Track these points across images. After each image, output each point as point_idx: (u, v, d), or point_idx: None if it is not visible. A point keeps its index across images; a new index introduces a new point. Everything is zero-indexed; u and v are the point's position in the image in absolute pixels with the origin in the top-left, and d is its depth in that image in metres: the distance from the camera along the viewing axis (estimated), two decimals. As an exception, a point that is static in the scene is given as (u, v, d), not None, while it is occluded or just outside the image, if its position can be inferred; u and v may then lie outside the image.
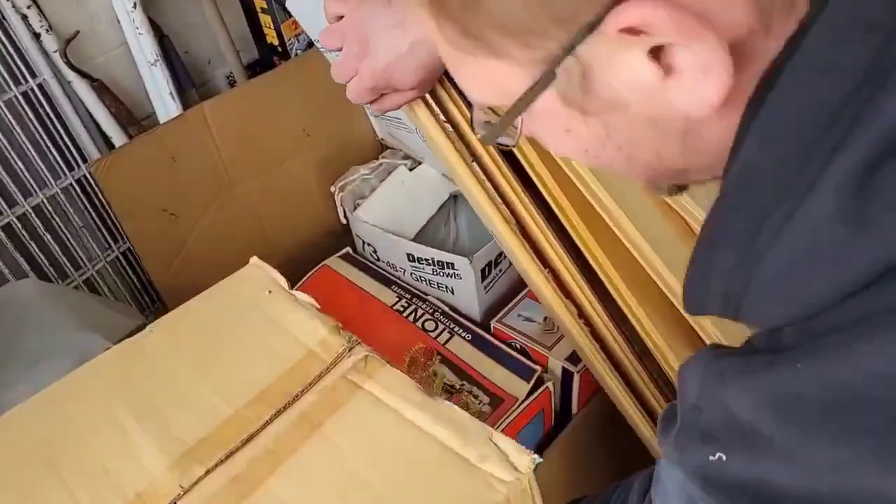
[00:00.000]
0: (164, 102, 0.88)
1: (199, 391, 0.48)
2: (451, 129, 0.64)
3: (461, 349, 0.93)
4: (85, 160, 0.86)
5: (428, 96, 0.61)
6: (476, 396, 0.88)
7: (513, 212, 0.71)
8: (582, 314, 0.78)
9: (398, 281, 1.02)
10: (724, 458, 0.28)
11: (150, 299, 0.94)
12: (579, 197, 0.67)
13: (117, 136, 0.87)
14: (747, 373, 0.27)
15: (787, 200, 0.25)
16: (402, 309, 0.98)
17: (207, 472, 0.43)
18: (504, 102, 0.30)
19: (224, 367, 0.49)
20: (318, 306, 0.53)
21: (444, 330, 0.96)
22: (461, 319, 0.96)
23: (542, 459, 0.40)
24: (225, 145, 0.93)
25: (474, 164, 0.66)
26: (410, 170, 1.03)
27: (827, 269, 0.24)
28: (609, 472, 0.99)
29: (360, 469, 0.41)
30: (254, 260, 0.56)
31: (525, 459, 0.40)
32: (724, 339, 0.70)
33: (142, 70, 0.85)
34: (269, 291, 0.54)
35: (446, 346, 0.94)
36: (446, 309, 0.98)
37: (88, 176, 0.80)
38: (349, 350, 0.49)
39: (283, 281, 0.54)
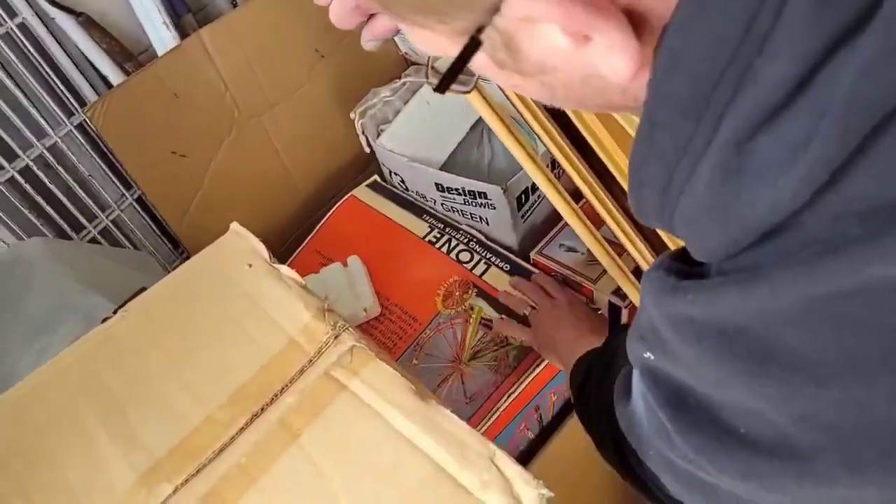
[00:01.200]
0: (159, 33, 0.79)
1: (170, 390, 0.42)
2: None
3: (499, 281, 0.86)
4: (84, 104, 0.78)
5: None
6: None
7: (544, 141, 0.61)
8: (622, 251, 0.68)
9: (430, 210, 0.94)
10: (651, 356, 0.32)
11: (173, 244, 0.89)
12: (612, 122, 0.56)
13: (114, 75, 0.79)
14: (661, 291, 0.29)
15: (688, 159, 0.25)
16: (434, 240, 0.90)
17: (175, 490, 0.37)
18: (448, 57, 0.29)
19: (198, 360, 0.43)
20: (303, 282, 0.45)
21: (479, 261, 0.88)
22: (499, 249, 0.88)
23: (552, 494, 0.32)
24: (231, 75, 0.84)
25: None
26: (436, 88, 0.92)
27: (715, 229, 0.26)
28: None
29: (340, 492, 0.35)
30: (234, 226, 0.49)
31: (531, 493, 0.32)
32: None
33: (131, -2, 0.76)
34: (250, 265, 0.46)
35: (483, 277, 0.86)
36: (482, 238, 0.89)
37: (87, 121, 0.73)
38: (335, 338, 0.42)
39: (264, 251, 0.47)
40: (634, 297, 0.72)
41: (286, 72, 0.89)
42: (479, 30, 0.26)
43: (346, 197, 0.95)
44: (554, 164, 0.82)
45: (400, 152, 0.90)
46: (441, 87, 0.33)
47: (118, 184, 0.83)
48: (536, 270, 0.84)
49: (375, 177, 0.98)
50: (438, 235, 0.90)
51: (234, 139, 0.87)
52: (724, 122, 0.24)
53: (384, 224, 0.92)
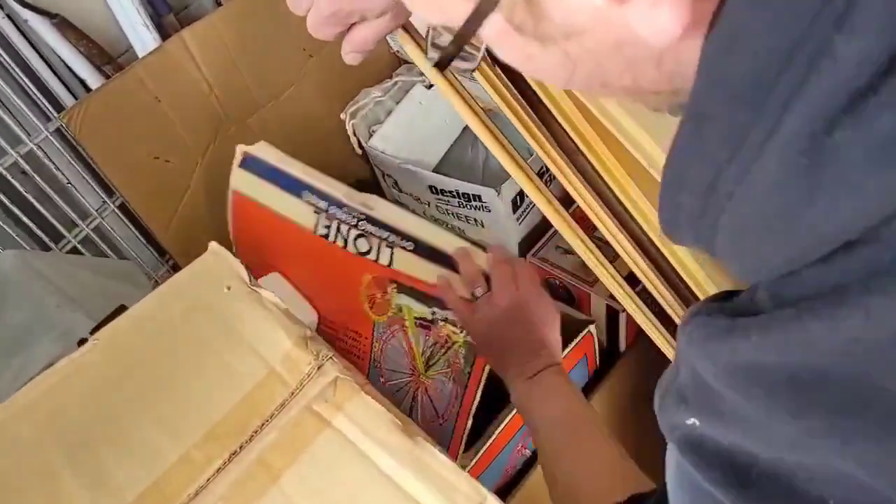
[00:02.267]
0: (139, 34, 0.75)
1: (143, 425, 0.39)
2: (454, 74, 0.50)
3: (411, 266, 0.69)
4: (61, 109, 0.75)
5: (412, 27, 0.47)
6: (455, 324, 0.69)
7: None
8: (615, 257, 0.65)
9: (307, 186, 0.74)
10: (696, 423, 0.27)
11: (159, 252, 0.86)
12: (602, 130, 0.53)
13: (92, 78, 0.75)
14: (712, 338, 0.25)
15: (742, 155, 0.22)
16: (325, 231, 0.72)
17: (146, 541, 0.34)
18: (453, 24, 0.26)
19: (173, 393, 0.40)
20: (284, 306, 0.42)
21: (380, 245, 0.70)
22: (392, 226, 0.69)
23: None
24: (215, 77, 0.81)
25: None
26: (428, 87, 0.88)
27: (776, 239, 0.22)
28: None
29: (323, 542, 0.32)
30: (213, 246, 0.45)
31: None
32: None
33: (108, -3, 0.72)
34: (228, 287, 0.43)
35: (393, 266, 0.70)
36: (369, 213, 0.70)
37: (64, 127, 0.70)
38: (317, 368, 0.38)
39: (244, 272, 0.44)
40: (628, 305, 0.69)
41: (273, 72, 0.85)
42: None
43: (230, 194, 0.77)
44: (542, 171, 0.78)
45: (392, 154, 0.86)
46: (443, 62, 0.29)
47: (99, 190, 0.79)
48: (447, 250, 0.68)
49: (243, 150, 0.75)
50: (327, 224, 0.72)
51: (220, 143, 0.83)
52: (791, 110, 0.20)
53: (275, 224, 0.75)
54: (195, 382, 0.40)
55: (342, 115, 0.88)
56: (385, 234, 0.70)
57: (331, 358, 0.39)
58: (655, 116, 0.54)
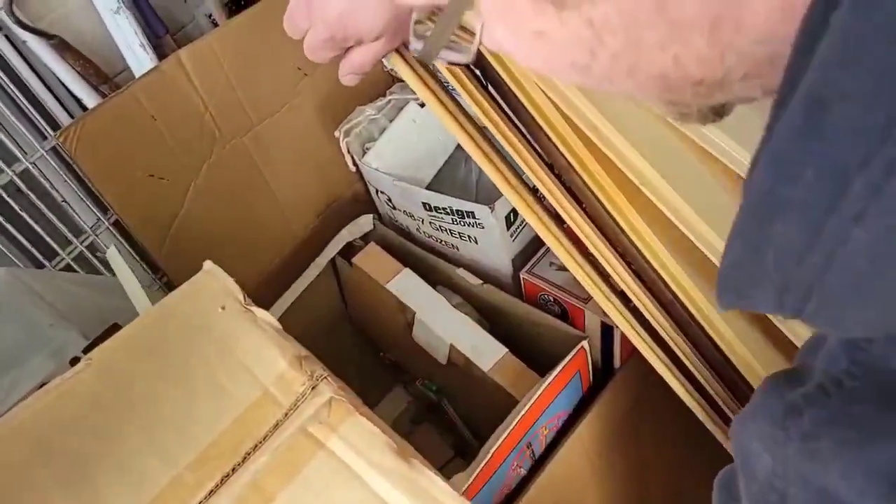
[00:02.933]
0: (136, 55, 0.75)
1: (135, 447, 0.38)
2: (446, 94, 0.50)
3: None
4: (57, 127, 0.75)
5: (404, 49, 0.47)
6: None
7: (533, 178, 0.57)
8: (600, 271, 0.65)
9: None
10: None
11: (153, 269, 0.85)
12: (594, 149, 0.53)
13: (89, 98, 0.75)
14: (850, 444, 0.20)
15: (889, 150, 0.15)
16: None
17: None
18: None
19: (166, 414, 0.39)
20: (278, 326, 0.42)
21: None
22: None
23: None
24: (210, 96, 0.81)
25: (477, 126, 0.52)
26: (422, 105, 0.89)
27: None
28: (662, 429, 0.88)
29: (317, 567, 0.32)
30: (207, 265, 0.45)
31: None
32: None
33: (105, 19, 0.72)
34: (223, 307, 0.43)
35: None
36: None
37: (60, 145, 0.70)
38: (312, 389, 0.38)
39: (238, 292, 0.43)
40: (620, 322, 0.69)
41: (268, 91, 0.85)
42: None
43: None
44: (535, 189, 0.78)
45: (386, 171, 0.86)
46: (428, 52, 0.23)
47: (94, 208, 0.79)
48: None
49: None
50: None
51: (214, 161, 0.83)
52: None
53: None
54: (188, 403, 0.39)
55: (336, 133, 0.88)
56: None
57: (325, 378, 0.38)
58: (645, 131, 0.54)
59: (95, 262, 0.81)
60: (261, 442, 0.37)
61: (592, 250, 0.60)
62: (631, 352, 0.84)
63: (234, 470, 0.36)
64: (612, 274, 0.61)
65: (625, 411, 0.84)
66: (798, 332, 0.56)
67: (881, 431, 0.19)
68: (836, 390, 0.21)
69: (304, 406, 0.37)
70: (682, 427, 0.89)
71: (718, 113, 0.24)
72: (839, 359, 0.21)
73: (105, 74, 0.75)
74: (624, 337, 0.79)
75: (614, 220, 0.57)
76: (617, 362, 0.84)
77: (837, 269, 0.17)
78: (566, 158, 0.55)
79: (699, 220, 0.54)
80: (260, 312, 0.42)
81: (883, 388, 0.20)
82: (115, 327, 0.60)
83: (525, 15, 0.20)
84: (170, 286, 0.87)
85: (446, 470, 0.97)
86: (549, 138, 0.54)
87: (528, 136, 0.55)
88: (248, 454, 0.36)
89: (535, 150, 0.55)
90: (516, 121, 0.54)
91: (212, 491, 0.36)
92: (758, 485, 0.24)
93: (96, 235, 0.80)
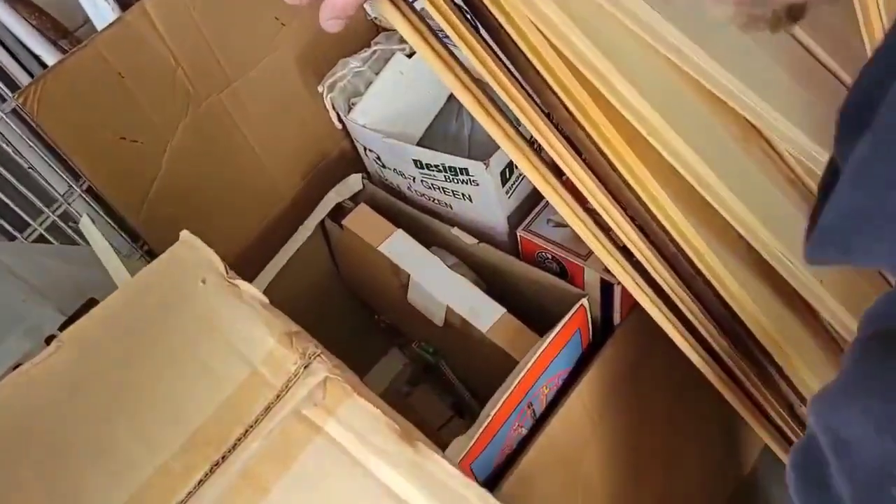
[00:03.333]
0: (97, 6, 0.70)
1: (116, 434, 0.35)
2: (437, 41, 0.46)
3: None
4: (16, 88, 0.70)
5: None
6: None
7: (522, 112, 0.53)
8: (601, 225, 0.62)
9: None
10: None
11: (132, 237, 0.81)
12: (598, 97, 0.49)
13: (48, 55, 0.70)
14: None
15: None
16: None
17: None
18: None
19: (148, 398, 0.36)
20: (265, 300, 0.38)
21: None
22: None
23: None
24: (181, 50, 0.75)
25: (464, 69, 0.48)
26: (409, 56, 0.84)
27: None
28: (658, 384, 0.87)
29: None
30: (184, 235, 0.41)
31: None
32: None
33: (63, -33, 0.66)
34: (203, 281, 0.39)
35: None
36: None
37: (20, 107, 0.65)
38: (304, 368, 0.35)
39: (219, 264, 0.40)
40: (623, 278, 0.66)
41: (244, 43, 0.80)
42: None
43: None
44: (532, 140, 0.75)
45: (373, 128, 0.82)
46: None
47: (65, 175, 0.74)
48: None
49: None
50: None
51: (191, 120, 0.78)
52: None
53: None
54: (170, 386, 0.36)
55: (319, 88, 0.83)
56: None
57: (319, 355, 0.35)
58: (651, 75, 0.50)
59: (70, 231, 0.77)
60: (251, 427, 0.34)
61: (593, 203, 0.57)
62: (631, 308, 0.81)
63: (223, 458, 0.33)
64: (614, 227, 0.58)
65: (625, 368, 0.82)
66: (814, 289, 0.54)
67: None
68: None
69: (296, 387, 0.34)
70: (682, 383, 0.87)
71: (794, 16, 0.21)
72: None
73: (64, 28, 0.70)
74: (624, 293, 0.77)
75: (617, 171, 0.53)
76: (617, 319, 0.81)
77: None
78: (567, 107, 0.51)
79: (709, 171, 0.50)
80: (244, 286, 0.39)
81: None
82: (92, 302, 0.57)
83: None
84: (151, 254, 0.83)
85: (446, 430, 0.96)
86: (549, 86, 0.50)
87: (525, 84, 0.51)
88: (239, 440, 0.33)
89: (533, 99, 0.51)
90: (513, 69, 0.50)
91: (201, 480, 0.33)
92: (866, 473, 0.22)
93: (69, 204, 0.75)
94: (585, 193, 0.55)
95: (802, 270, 0.53)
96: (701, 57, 0.47)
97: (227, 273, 0.39)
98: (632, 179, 0.52)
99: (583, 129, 0.51)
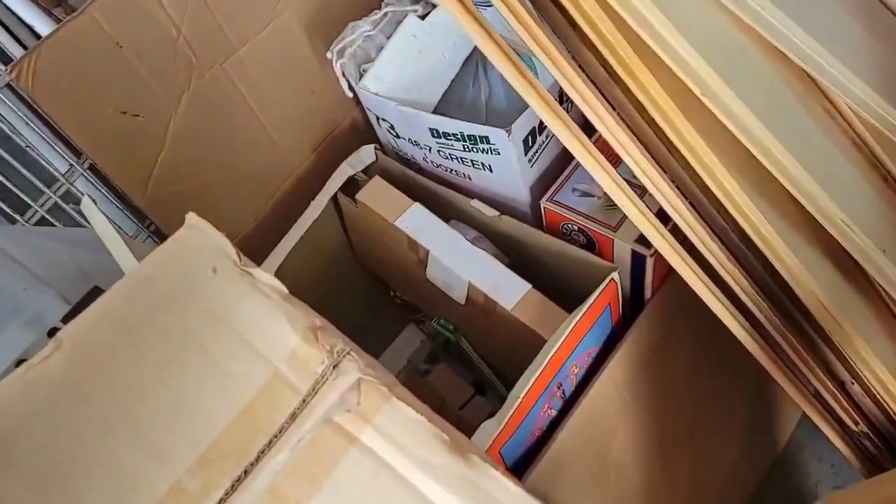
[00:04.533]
0: (91, -30, 0.64)
1: (123, 447, 0.31)
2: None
3: None
4: (9, 61, 0.64)
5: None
6: None
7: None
8: (644, 192, 0.56)
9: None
10: None
11: (139, 217, 0.76)
12: (646, 54, 0.43)
13: (42, 25, 0.64)
14: None
15: None
16: None
17: None
18: None
19: (156, 405, 0.31)
20: (284, 289, 0.33)
21: None
22: None
23: None
24: (182, 16, 0.69)
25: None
26: (422, 17, 0.78)
27: None
28: (689, 361, 0.82)
29: None
30: (191, 218, 0.36)
31: None
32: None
33: (51, -72, 0.60)
34: (214, 269, 0.34)
35: None
36: None
37: (13, 82, 0.60)
38: (333, 368, 0.30)
39: (231, 250, 0.35)
40: (659, 243, 0.61)
41: (248, 9, 0.74)
42: None
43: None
44: (562, 98, 0.69)
45: (387, 95, 0.76)
46: None
47: (65, 152, 0.69)
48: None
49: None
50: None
51: (194, 92, 0.73)
52: None
53: None
54: (181, 391, 0.31)
55: (328, 55, 0.77)
56: None
57: (349, 353, 0.30)
58: (707, 27, 0.44)
59: (73, 212, 0.72)
60: (276, 437, 0.29)
61: (630, 162, 0.51)
62: (662, 281, 0.77)
63: (245, 472, 0.29)
64: (652, 190, 0.52)
65: (656, 344, 0.77)
66: (876, 259, 0.48)
67: None
68: None
69: (325, 390, 0.30)
70: (713, 358, 0.82)
71: None
72: None
73: (58, -4, 0.64)
74: (657, 266, 0.72)
75: (660, 131, 0.48)
76: (647, 293, 0.77)
77: None
78: (608, 64, 0.45)
79: (766, 132, 0.45)
80: (260, 274, 0.34)
81: None
82: (97, 291, 0.52)
83: None
84: (159, 234, 0.78)
85: (468, 408, 0.92)
86: (589, 40, 0.44)
87: (562, 39, 0.45)
88: (262, 453, 0.29)
89: (572, 56, 0.46)
90: (550, 32, 0.44)
91: (221, 500, 0.28)
92: None
93: (71, 183, 0.70)
94: (622, 153, 0.49)
95: (864, 238, 0.48)
96: (761, 3, 0.42)
97: (239, 260, 0.34)
98: (677, 140, 0.47)
99: (624, 87, 0.46)
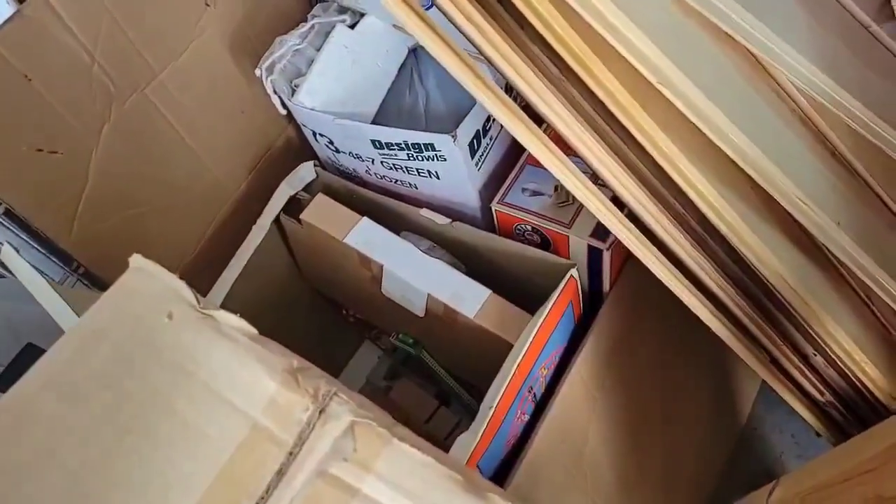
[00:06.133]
0: (-13, -2, 0.58)
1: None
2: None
3: None
4: None
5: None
6: None
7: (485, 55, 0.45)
8: (597, 179, 0.55)
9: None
10: None
11: (64, 261, 0.70)
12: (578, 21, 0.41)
13: (-64, 61, 0.57)
14: None
15: None
16: None
17: None
18: None
19: (118, 481, 0.27)
20: (254, 331, 0.30)
21: None
22: None
23: None
24: (95, 42, 0.64)
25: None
26: (352, 27, 0.74)
27: None
28: (653, 348, 0.82)
29: None
30: (136, 260, 0.32)
31: None
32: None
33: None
34: (169, 316, 0.30)
35: None
36: None
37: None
38: (320, 413, 0.27)
39: (187, 292, 0.31)
40: (616, 229, 0.60)
41: (167, 29, 0.68)
42: None
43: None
44: (508, 90, 0.67)
45: (323, 110, 0.73)
46: None
47: (-25, 199, 0.62)
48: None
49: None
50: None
51: (115, 122, 0.67)
52: None
53: None
54: (147, 461, 0.27)
55: (257, 72, 0.73)
56: None
57: (335, 394, 0.27)
58: (661, 21, 0.43)
59: (-10, 263, 0.65)
60: (263, 498, 0.26)
61: (584, 152, 0.50)
62: (618, 273, 0.76)
63: (233, 546, 0.25)
64: (609, 179, 0.51)
65: (619, 336, 0.76)
66: (830, 231, 0.49)
67: None
68: None
69: (314, 439, 0.26)
70: (675, 342, 0.83)
71: None
72: None
73: (-48, 29, 0.57)
74: (613, 259, 0.71)
75: (614, 118, 0.46)
76: (606, 286, 0.76)
77: None
78: (565, 63, 0.43)
79: (719, 113, 0.44)
80: (223, 316, 0.30)
81: None
82: (31, 349, 0.47)
83: None
84: (89, 277, 0.72)
85: (436, 421, 0.89)
86: (543, 40, 0.42)
87: (512, 39, 0.43)
88: (250, 520, 0.25)
89: (520, 48, 0.43)
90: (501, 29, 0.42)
91: (208, 581, 0.24)
92: None
93: (-16, 231, 0.64)
94: (578, 144, 0.47)
95: (818, 212, 0.48)
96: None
97: (198, 303, 0.30)
98: (636, 131, 0.45)
99: (579, 83, 0.44)
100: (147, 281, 0.32)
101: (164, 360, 0.29)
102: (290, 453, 0.26)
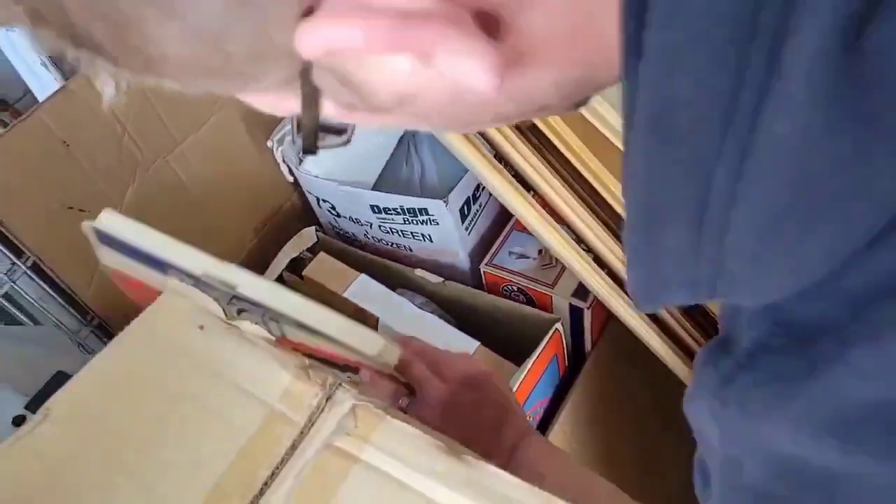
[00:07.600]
0: (38, 75, 0.66)
1: (128, 501, 0.32)
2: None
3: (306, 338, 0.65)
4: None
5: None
6: None
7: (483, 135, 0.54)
8: (580, 239, 0.63)
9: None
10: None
11: (81, 313, 0.76)
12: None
13: (-13, 129, 0.66)
14: (780, 398, 0.20)
15: (737, 131, 0.17)
16: None
17: None
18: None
19: (154, 459, 0.32)
20: (273, 338, 0.36)
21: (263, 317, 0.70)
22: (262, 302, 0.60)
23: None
24: (127, 115, 0.73)
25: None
26: (356, 105, 0.83)
27: (818, 222, 0.17)
28: (634, 404, 0.87)
29: None
30: (173, 283, 0.38)
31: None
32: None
33: (-3, 39, 0.63)
34: (201, 327, 0.36)
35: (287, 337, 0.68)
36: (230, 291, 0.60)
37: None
38: (327, 400, 0.33)
39: (216, 308, 0.37)
40: (599, 288, 0.66)
41: (190, 105, 0.78)
42: (304, 75, 0.21)
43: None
44: (499, 158, 0.75)
45: (327, 177, 0.81)
46: (309, 147, 0.26)
47: (6, 251, 0.69)
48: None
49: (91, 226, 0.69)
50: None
51: (139, 185, 0.75)
52: (788, 42, 0.15)
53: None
54: (179, 443, 0.33)
55: (269, 143, 0.82)
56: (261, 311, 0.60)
57: (341, 384, 0.33)
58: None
59: (15, 311, 0.71)
60: (278, 468, 0.31)
61: (568, 213, 0.57)
62: (601, 331, 0.82)
63: (254, 500, 0.30)
64: (590, 238, 0.58)
65: (601, 393, 0.82)
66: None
67: (807, 381, 0.20)
68: (762, 352, 0.22)
69: (322, 420, 0.32)
70: (657, 405, 0.87)
71: (579, 104, 0.26)
72: (761, 321, 0.22)
73: (4, 102, 0.66)
74: (594, 317, 0.77)
75: (585, 179, 0.54)
76: (588, 345, 0.82)
77: (730, 256, 0.19)
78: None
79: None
80: (247, 326, 0.36)
81: (803, 339, 0.20)
82: (61, 375, 0.52)
83: (361, 117, 0.24)
84: (102, 328, 0.78)
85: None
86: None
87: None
88: (266, 485, 0.30)
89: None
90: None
91: (230, 537, 0.29)
92: (719, 457, 0.25)
93: (14, 282, 0.70)
94: (561, 205, 0.55)
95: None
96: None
97: (225, 315, 0.37)
98: (598, 184, 0.53)
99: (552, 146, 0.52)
100: (180, 300, 0.38)
101: (196, 361, 0.35)
102: (301, 432, 0.32)
